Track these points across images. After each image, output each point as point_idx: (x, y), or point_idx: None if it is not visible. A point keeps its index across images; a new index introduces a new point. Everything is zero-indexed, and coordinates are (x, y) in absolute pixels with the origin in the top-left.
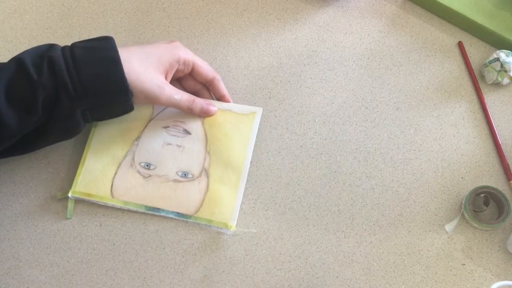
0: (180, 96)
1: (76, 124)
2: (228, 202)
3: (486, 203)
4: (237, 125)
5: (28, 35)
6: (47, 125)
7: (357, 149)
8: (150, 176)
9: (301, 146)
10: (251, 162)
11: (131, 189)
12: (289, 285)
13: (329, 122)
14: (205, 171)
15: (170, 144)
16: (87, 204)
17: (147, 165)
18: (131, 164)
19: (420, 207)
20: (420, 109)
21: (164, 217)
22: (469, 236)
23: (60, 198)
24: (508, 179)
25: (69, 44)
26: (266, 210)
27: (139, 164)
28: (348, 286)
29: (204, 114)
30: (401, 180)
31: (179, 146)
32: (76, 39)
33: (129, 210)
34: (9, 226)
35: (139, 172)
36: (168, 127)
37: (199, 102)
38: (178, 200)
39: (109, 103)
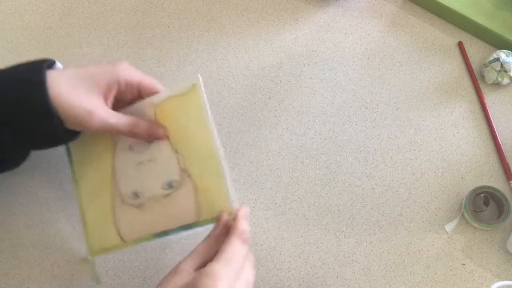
0: (116, 119)
1: (11, 153)
2: (218, 192)
3: (486, 203)
4: (185, 108)
5: (28, 35)
6: None
7: (357, 149)
8: (142, 204)
9: (301, 146)
10: (251, 162)
11: (133, 225)
12: (289, 285)
13: (329, 122)
14: (185, 172)
15: (141, 162)
16: None
17: (135, 195)
18: (122, 201)
19: (420, 207)
20: (420, 109)
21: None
22: (469, 236)
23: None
24: (508, 179)
25: (69, 44)
26: (266, 210)
27: (128, 197)
28: (348, 286)
29: (151, 136)
30: (401, 180)
31: (150, 160)
32: (76, 39)
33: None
34: (9, 226)
35: (131, 205)
36: (131, 146)
37: (143, 124)
38: (177, 213)
39: (36, 129)
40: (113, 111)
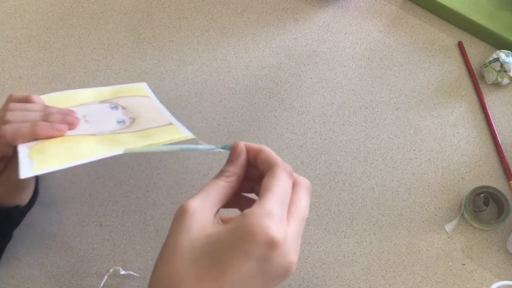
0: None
1: None
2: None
3: (486, 203)
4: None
5: (28, 35)
6: None
7: (357, 149)
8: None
9: (301, 146)
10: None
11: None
12: (289, 285)
13: (329, 122)
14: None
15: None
16: (87, 203)
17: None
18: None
19: (420, 207)
20: (420, 109)
21: (164, 215)
22: (469, 236)
23: None
24: (508, 179)
25: (69, 44)
26: None
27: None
28: (348, 286)
29: (65, 121)
30: (401, 180)
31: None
32: (76, 39)
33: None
34: None
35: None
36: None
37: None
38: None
39: None
40: None
